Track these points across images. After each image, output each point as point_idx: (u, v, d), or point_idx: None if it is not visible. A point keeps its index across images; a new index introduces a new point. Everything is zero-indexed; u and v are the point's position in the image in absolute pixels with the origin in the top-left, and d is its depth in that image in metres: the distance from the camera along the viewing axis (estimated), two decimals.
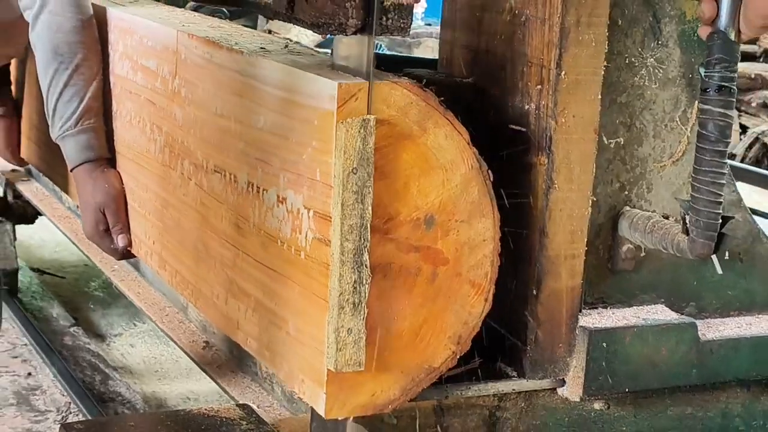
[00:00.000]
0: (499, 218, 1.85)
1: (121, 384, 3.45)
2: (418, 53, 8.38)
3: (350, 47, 1.76)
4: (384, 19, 1.70)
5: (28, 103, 3.28)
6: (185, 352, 3.40)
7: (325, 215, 1.71)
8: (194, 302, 2.30)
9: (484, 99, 2.09)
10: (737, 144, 7.50)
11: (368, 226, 1.69)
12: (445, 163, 1.80)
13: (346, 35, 1.70)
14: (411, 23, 1.74)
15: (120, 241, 2.50)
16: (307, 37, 6.49)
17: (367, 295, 1.72)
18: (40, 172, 3.46)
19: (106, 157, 2.51)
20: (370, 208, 1.69)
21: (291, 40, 2.24)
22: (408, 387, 1.84)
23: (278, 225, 1.87)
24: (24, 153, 3.38)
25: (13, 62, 3.29)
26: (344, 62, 1.78)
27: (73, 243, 3.41)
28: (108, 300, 4.15)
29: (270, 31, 5.67)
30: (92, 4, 2.60)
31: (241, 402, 2.55)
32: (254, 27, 4.69)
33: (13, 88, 3.32)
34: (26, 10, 2.50)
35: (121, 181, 2.51)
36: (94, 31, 2.51)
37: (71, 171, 2.53)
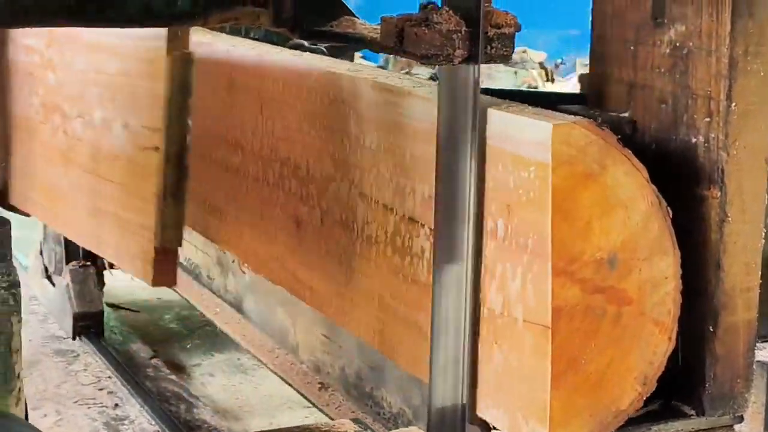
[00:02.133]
0: (679, 255, 1.82)
1: (206, 411, 3.47)
2: (489, 84, 8.36)
3: (457, 76, 1.81)
4: (488, 48, 1.76)
5: None
6: (302, 394, 3.40)
7: None
8: None
9: (643, 133, 2.06)
10: None
11: None
12: (625, 200, 1.78)
13: (453, 65, 1.76)
14: (513, 51, 1.80)
15: None
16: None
17: None
18: None
19: None
20: None
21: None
22: (596, 430, 1.81)
23: None
24: None
25: None
26: (451, 91, 1.83)
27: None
28: (183, 332, 4.19)
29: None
30: None
31: None
32: None
33: None
34: None
35: None
36: None
37: None
